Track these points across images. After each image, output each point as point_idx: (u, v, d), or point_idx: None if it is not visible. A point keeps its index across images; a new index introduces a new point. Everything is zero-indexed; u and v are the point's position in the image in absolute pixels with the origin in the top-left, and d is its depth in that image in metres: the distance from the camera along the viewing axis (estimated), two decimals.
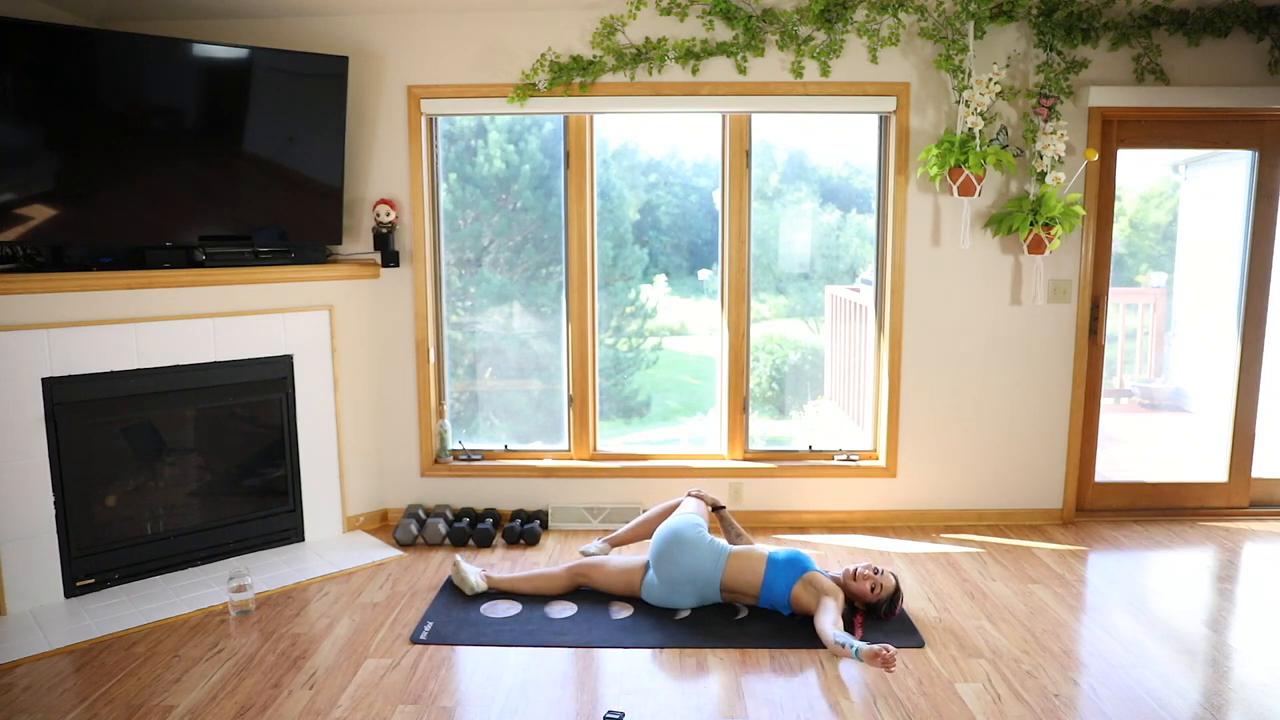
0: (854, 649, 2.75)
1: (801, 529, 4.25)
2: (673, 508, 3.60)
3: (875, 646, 2.71)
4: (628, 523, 4.19)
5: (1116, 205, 4.23)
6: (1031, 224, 3.88)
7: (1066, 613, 3.33)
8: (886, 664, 2.67)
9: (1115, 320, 5.51)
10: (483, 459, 4.38)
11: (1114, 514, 4.38)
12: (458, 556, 3.57)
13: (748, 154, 4.18)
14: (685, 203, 4.47)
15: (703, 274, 4.47)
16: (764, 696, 2.75)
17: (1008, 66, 3.94)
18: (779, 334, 4.58)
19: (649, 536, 3.59)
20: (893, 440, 4.25)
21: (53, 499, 3.38)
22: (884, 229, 4.19)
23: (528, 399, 4.52)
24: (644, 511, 4.21)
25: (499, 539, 4.12)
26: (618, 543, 3.72)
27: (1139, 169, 4.69)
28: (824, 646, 2.98)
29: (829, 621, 2.97)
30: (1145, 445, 5.40)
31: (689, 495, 3.64)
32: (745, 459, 4.37)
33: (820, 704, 2.70)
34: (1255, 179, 4.20)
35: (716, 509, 3.64)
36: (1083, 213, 3.93)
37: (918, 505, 4.30)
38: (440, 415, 4.38)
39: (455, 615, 3.30)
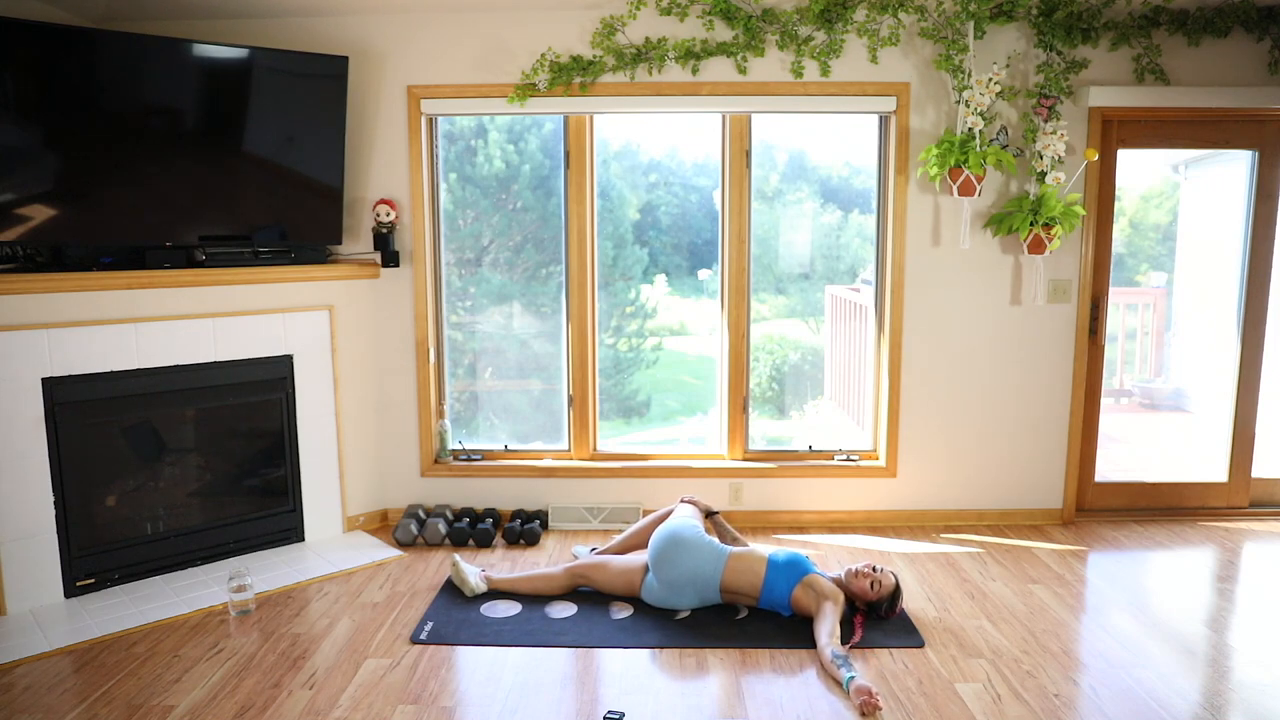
0: (846, 679, 2.73)
1: (801, 529, 4.25)
2: (665, 516, 3.58)
3: (866, 685, 2.68)
4: (627, 524, 4.21)
5: (1116, 205, 4.23)
6: (1031, 224, 3.88)
7: (1066, 613, 3.33)
8: (867, 707, 2.63)
9: (1115, 320, 5.50)
10: (483, 459, 4.38)
11: (1114, 514, 4.38)
12: (456, 556, 3.57)
13: (748, 154, 4.18)
14: (685, 203, 4.47)
15: (703, 274, 4.47)
16: (764, 696, 2.75)
17: (1008, 66, 3.94)
18: (779, 334, 4.58)
19: (642, 546, 3.58)
20: (893, 440, 4.25)
21: (53, 499, 3.38)
22: (884, 229, 4.19)
23: (528, 399, 4.52)
24: (641, 518, 4.22)
25: (499, 539, 4.12)
26: (609, 553, 3.67)
27: (1139, 169, 4.68)
28: None
29: (826, 633, 2.97)
30: (1145, 445, 5.40)
31: (681, 502, 3.64)
32: (745, 459, 4.37)
33: (820, 704, 2.70)
34: (1255, 179, 4.20)
35: (710, 514, 3.64)
36: (1083, 213, 3.93)
37: (918, 505, 4.30)
38: (440, 415, 4.38)
39: (455, 615, 3.30)
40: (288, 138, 3.83)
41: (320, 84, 3.84)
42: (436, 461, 4.35)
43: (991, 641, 3.10)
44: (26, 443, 3.31)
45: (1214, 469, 4.43)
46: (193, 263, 3.66)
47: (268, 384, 3.89)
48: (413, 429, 4.31)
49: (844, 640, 3.04)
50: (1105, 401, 4.42)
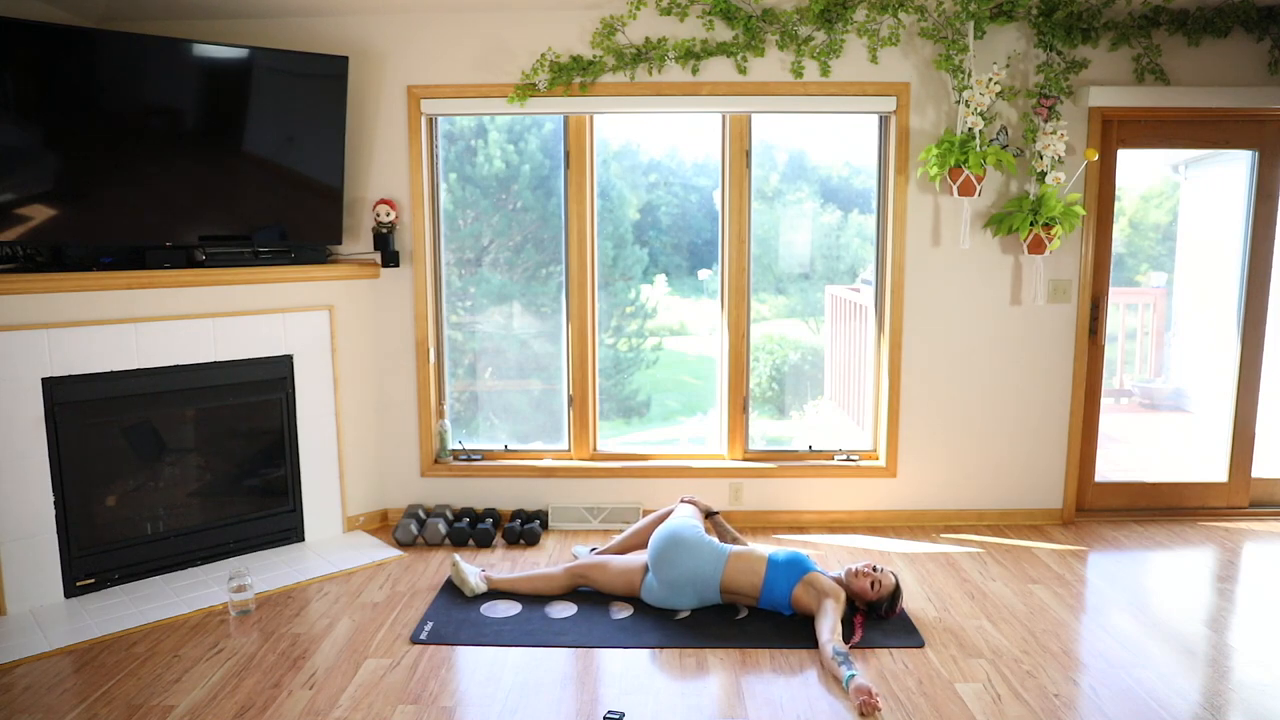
0: (846, 677, 2.73)
1: (801, 529, 4.25)
2: (665, 516, 3.58)
3: (865, 684, 2.67)
4: (627, 524, 4.21)
5: (1116, 205, 4.23)
6: (1031, 224, 3.88)
7: (1066, 613, 3.33)
8: (866, 706, 2.63)
9: (1115, 320, 5.50)
10: (483, 459, 4.38)
11: (1114, 514, 4.38)
12: (456, 557, 3.57)
13: (748, 154, 4.18)
14: (685, 203, 4.47)
15: (703, 274, 4.47)
16: (764, 696, 2.75)
17: (1008, 66, 3.94)
18: (779, 334, 4.58)
19: (642, 546, 3.58)
20: (893, 440, 4.25)
21: (53, 499, 3.38)
22: (884, 229, 4.19)
23: (528, 399, 4.52)
24: (641, 518, 4.22)
25: (499, 539, 4.12)
26: (609, 553, 3.67)
27: (1139, 169, 4.68)
28: None
29: (827, 629, 2.97)
30: (1145, 445, 5.40)
31: (681, 501, 3.64)
32: (745, 459, 4.37)
33: (820, 704, 2.70)
34: (1255, 179, 4.20)
35: (710, 514, 3.63)
36: (1083, 213, 3.93)
37: (918, 505, 4.30)
38: (440, 415, 4.38)
39: (455, 615, 3.30)
40: (288, 138, 3.83)
41: (320, 84, 3.84)
42: (436, 461, 4.35)
43: (991, 641, 3.10)
44: (26, 443, 3.31)
45: (1214, 469, 4.43)
46: (193, 263, 3.66)
47: (268, 384, 3.89)
48: (413, 429, 4.31)
49: (844, 640, 3.04)
50: (1105, 401, 4.42)
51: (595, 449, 4.42)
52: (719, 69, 4.00)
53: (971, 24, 3.83)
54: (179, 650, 3.05)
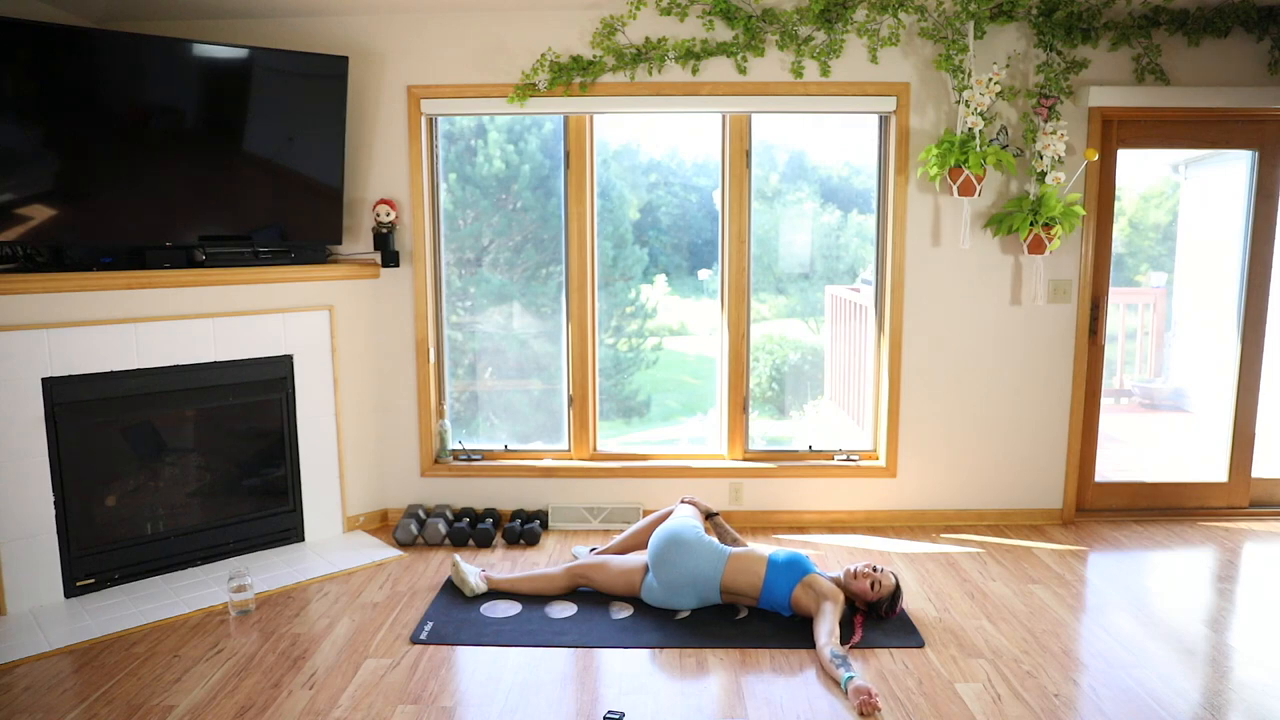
0: (845, 679, 2.73)
1: (801, 529, 4.25)
2: (665, 516, 3.58)
3: (864, 685, 2.67)
4: (627, 524, 4.21)
5: (1116, 205, 4.23)
6: (1031, 224, 3.88)
7: (1066, 613, 3.34)
8: (865, 706, 2.63)
9: (1115, 320, 5.51)
10: (483, 459, 4.38)
11: (1114, 514, 4.38)
12: (456, 557, 3.57)
13: (748, 154, 4.18)
14: (685, 203, 4.47)
15: (703, 274, 4.47)
16: (764, 696, 2.75)
17: (1008, 66, 3.94)
18: (779, 334, 4.58)
19: (642, 547, 3.58)
20: (893, 440, 4.25)
21: (53, 499, 3.38)
22: (884, 229, 4.19)
23: (528, 399, 4.52)
24: (641, 518, 4.22)
25: (499, 539, 4.12)
26: (609, 553, 3.67)
27: (1139, 169, 4.69)
28: None
29: (825, 632, 2.97)
30: (1145, 445, 5.40)
31: (682, 502, 3.64)
32: (745, 459, 4.37)
33: (820, 704, 2.70)
34: (1255, 179, 4.20)
35: (710, 515, 3.63)
36: (1083, 213, 3.93)
37: (918, 505, 4.30)
38: (440, 415, 4.38)
39: (455, 615, 3.30)
40: (288, 138, 3.83)
41: (320, 84, 3.84)
42: (436, 461, 4.35)
43: (991, 641, 3.10)
44: (26, 443, 3.31)
45: (1214, 469, 4.43)
46: (193, 263, 3.66)
47: (268, 384, 3.89)
48: (413, 429, 4.31)
49: (844, 640, 3.04)
50: (1105, 401, 4.42)
51: (595, 449, 4.42)
52: (719, 69, 4.00)
53: (971, 24, 3.83)
54: (179, 650, 3.05)
